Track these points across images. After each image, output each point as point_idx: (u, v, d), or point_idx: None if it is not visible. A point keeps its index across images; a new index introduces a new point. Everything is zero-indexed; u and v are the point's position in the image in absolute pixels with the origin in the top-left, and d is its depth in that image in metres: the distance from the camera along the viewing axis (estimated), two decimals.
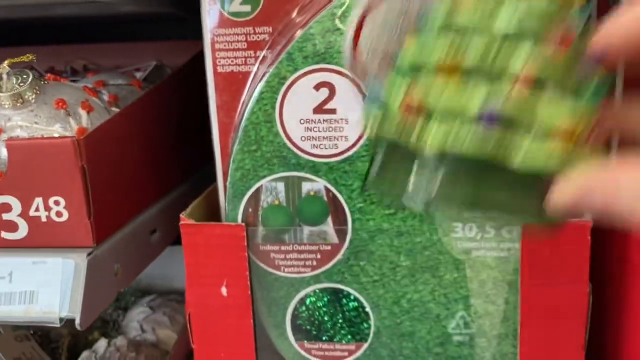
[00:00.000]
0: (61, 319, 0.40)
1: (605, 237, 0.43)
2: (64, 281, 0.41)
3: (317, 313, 0.43)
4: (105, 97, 0.52)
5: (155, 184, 0.53)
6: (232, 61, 0.41)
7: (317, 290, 0.43)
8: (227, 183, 0.41)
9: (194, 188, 0.62)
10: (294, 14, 0.40)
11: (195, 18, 0.69)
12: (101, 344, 0.63)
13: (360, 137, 0.39)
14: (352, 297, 0.43)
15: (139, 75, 0.64)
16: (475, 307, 0.42)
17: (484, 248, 0.41)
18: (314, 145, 0.40)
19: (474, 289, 0.42)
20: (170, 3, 0.59)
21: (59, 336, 0.67)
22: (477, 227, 0.41)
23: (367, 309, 0.43)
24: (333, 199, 0.41)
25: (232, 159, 0.41)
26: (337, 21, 0.37)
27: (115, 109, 0.51)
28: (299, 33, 0.38)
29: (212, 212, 0.45)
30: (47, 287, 0.41)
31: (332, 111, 0.39)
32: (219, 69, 0.42)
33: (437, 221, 0.41)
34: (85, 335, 0.68)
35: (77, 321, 0.40)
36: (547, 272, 0.40)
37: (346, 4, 0.37)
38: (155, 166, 0.53)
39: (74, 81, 0.62)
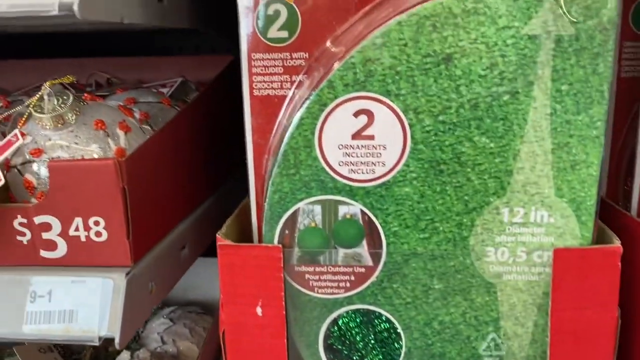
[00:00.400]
0: (100, 338, 0.41)
1: (634, 263, 0.44)
2: (103, 300, 0.41)
3: (349, 333, 0.44)
4: (137, 115, 0.53)
5: (186, 200, 0.54)
6: (268, 85, 0.42)
7: (349, 311, 0.43)
8: (265, 204, 0.42)
9: (220, 202, 0.63)
10: (328, 44, 0.41)
11: (215, 34, 0.70)
12: (124, 356, 0.64)
13: (397, 163, 0.40)
14: (384, 318, 0.43)
15: (165, 91, 0.65)
16: (505, 329, 0.43)
17: (515, 272, 0.42)
18: (351, 169, 0.41)
19: (504, 312, 0.43)
20: (194, 20, 0.60)
21: (81, 347, 0.68)
22: (509, 252, 0.42)
23: (399, 330, 0.43)
24: (369, 222, 0.41)
25: (270, 182, 0.42)
26: (385, 51, 0.38)
27: (146, 127, 0.52)
28: (336, 65, 0.39)
29: (243, 230, 0.46)
30: (86, 307, 0.41)
31: (371, 137, 0.40)
32: (255, 93, 0.43)
33: (470, 245, 0.41)
34: (105, 347, 0.69)
35: (117, 340, 0.41)
36: (577, 297, 0.41)
37: (389, 35, 0.38)
38: (187, 182, 0.54)
39: (101, 96, 0.63)
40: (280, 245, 0.42)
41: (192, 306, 0.76)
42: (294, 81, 0.42)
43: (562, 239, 0.41)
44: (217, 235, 0.43)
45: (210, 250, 0.61)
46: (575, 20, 0.37)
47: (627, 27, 0.53)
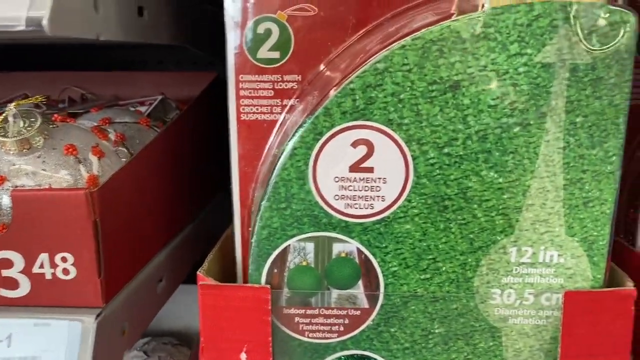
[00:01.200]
0: None
1: None
2: (70, 346, 0.37)
3: None
4: (112, 137, 0.49)
5: (164, 230, 0.50)
6: (257, 109, 0.39)
7: (342, 357, 0.40)
8: (252, 241, 0.38)
9: (199, 228, 0.59)
10: (322, 67, 0.38)
11: (199, 51, 0.66)
12: None
13: (398, 198, 0.37)
14: None
15: (144, 109, 0.61)
16: None
17: (522, 315, 0.39)
18: (348, 204, 0.37)
19: (509, 358, 0.40)
20: (183, 38, 0.57)
21: None
22: (516, 294, 0.39)
23: None
24: (365, 261, 0.38)
25: (258, 217, 0.38)
26: (387, 77, 0.35)
27: (122, 149, 0.48)
28: (333, 91, 0.36)
29: (226, 266, 0.42)
30: (50, 353, 0.37)
31: (370, 170, 0.37)
32: (243, 117, 0.39)
33: (474, 287, 0.38)
34: None
35: None
36: (588, 343, 0.38)
37: (392, 59, 0.35)
38: (165, 211, 0.50)
39: (74, 114, 0.59)
40: (268, 286, 0.38)
41: (168, 337, 0.71)
42: (285, 105, 0.39)
43: (572, 281, 0.38)
44: (198, 273, 0.39)
45: (186, 277, 0.57)
46: (592, 48, 0.34)
47: None
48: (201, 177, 0.59)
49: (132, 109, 0.63)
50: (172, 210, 0.52)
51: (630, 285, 0.38)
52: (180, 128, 0.53)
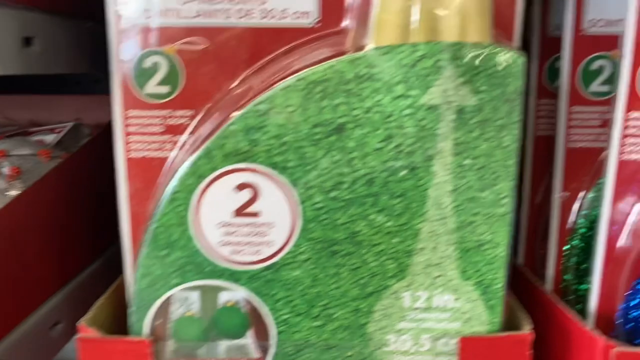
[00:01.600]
0: None
1: (545, 351, 0.40)
2: None
3: None
4: (6, 171, 0.46)
5: (60, 270, 0.47)
6: (146, 146, 0.37)
7: None
8: (133, 291, 0.36)
9: (106, 265, 0.56)
10: (215, 100, 0.36)
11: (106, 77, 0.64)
12: None
13: (286, 243, 0.35)
14: None
15: (52, 137, 0.59)
16: None
17: None
18: (233, 251, 0.35)
19: None
20: (85, 65, 0.54)
21: None
22: (413, 340, 0.37)
23: None
24: (254, 309, 0.36)
25: (139, 265, 0.36)
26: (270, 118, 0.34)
27: (17, 183, 0.45)
28: (219, 130, 0.34)
29: (119, 311, 0.40)
30: None
31: (255, 214, 0.35)
32: (131, 154, 0.37)
33: (368, 333, 0.37)
34: None
35: None
36: None
37: (274, 100, 0.33)
38: (61, 249, 0.47)
39: None
40: (148, 339, 0.36)
41: None
42: (176, 141, 0.37)
43: (469, 325, 0.37)
44: (77, 324, 0.36)
45: None
46: (478, 90, 0.33)
47: (541, 85, 0.51)
48: (111, 211, 0.56)
49: (41, 137, 0.60)
50: (71, 248, 0.49)
51: (527, 329, 0.37)
52: (81, 159, 0.51)
